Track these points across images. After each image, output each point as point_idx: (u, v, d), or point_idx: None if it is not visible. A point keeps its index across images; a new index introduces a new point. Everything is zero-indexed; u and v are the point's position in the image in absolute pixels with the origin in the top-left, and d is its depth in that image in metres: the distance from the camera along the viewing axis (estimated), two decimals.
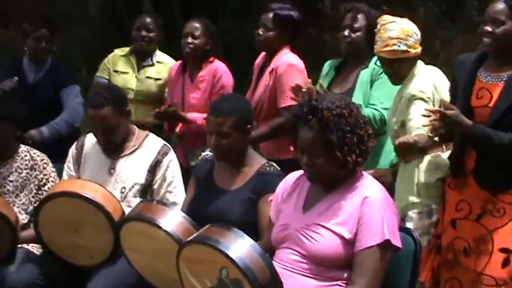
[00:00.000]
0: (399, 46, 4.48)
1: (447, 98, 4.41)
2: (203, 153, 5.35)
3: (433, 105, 4.38)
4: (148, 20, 6.45)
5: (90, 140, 4.83)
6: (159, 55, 6.45)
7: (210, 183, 4.31)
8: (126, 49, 6.49)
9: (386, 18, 4.57)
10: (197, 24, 5.87)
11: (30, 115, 5.59)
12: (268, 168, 4.26)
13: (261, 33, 5.49)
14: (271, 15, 5.50)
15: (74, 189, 4.39)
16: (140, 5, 10.23)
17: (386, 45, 4.50)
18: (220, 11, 10.11)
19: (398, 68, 4.57)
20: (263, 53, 5.72)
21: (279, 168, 4.30)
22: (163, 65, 6.38)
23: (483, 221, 4.23)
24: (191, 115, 5.69)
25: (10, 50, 6.57)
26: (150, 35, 6.32)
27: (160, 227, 3.83)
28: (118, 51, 6.49)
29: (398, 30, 4.50)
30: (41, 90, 6.09)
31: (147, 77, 6.28)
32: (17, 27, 6.16)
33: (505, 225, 4.20)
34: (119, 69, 6.31)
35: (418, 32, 4.58)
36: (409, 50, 4.50)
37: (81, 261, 4.43)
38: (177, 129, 5.78)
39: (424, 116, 4.12)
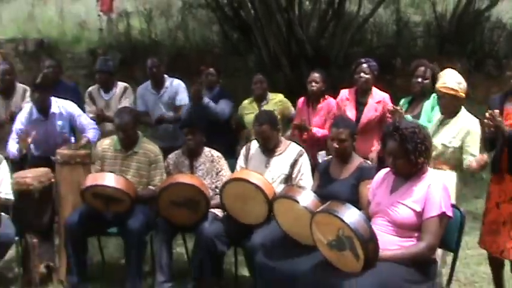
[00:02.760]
0: (451, 85, 4.24)
1: None
2: (322, 154, 5.25)
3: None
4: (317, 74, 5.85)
5: (254, 145, 4.80)
6: (269, 95, 6.15)
7: (328, 174, 4.21)
8: (250, 99, 6.19)
9: (447, 69, 4.38)
10: (317, 74, 5.68)
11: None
12: (364, 164, 4.15)
13: (362, 76, 5.33)
14: (365, 65, 5.34)
15: (244, 176, 4.39)
16: (280, 63, 10.16)
17: (444, 83, 4.27)
18: (330, 64, 9.98)
19: (447, 102, 4.29)
20: (345, 91, 5.52)
21: (371, 163, 4.18)
22: (273, 100, 6.10)
23: None
24: (314, 129, 5.54)
25: None
26: (263, 86, 6.08)
27: (298, 202, 3.77)
28: (245, 101, 6.22)
29: (452, 77, 4.28)
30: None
31: None
32: None
33: None
34: (247, 111, 6.10)
35: (465, 83, 4.31)
36: (457, 90, 4.25)
37: (248, 221, 4.40)
38: (305, 137, 5.60)
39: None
